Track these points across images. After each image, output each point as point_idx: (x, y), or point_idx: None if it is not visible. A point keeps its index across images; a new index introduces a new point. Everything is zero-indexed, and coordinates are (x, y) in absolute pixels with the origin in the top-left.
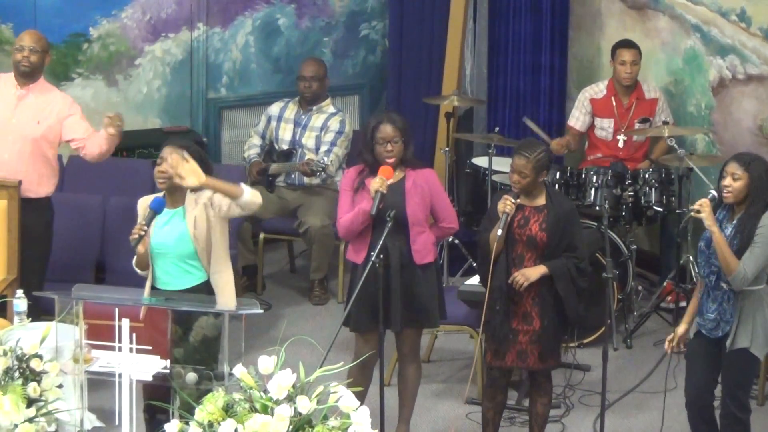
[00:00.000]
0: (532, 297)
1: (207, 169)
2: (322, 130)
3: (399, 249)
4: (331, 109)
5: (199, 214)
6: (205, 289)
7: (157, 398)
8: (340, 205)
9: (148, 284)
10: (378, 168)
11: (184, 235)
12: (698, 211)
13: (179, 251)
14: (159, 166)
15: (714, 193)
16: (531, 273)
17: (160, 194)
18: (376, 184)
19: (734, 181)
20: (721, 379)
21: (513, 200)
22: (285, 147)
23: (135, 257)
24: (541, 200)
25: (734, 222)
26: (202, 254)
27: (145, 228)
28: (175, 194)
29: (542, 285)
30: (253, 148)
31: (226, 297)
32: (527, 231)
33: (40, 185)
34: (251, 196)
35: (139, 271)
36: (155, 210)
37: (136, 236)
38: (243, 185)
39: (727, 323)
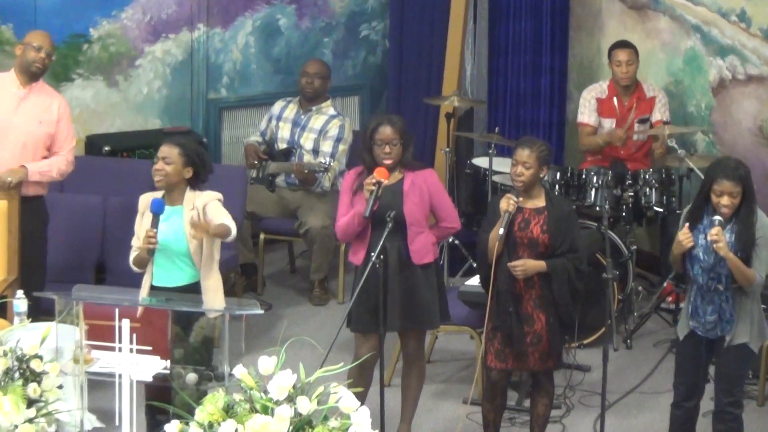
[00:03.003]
0: (533, 299)
1: (205, 169)
2: (320, 133)
3: (397, 249)
4: (331, 111)
5: (195, 215)
6: (197, 288)
7: (158, 398)
8: (339, 208)
9: (147, 281)
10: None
11: (180, 233)
12: (716, 241)
13: (176, 248)
14: (156, 163)
15: (719, 218)
16: (531, 264)
17: (159, 194)
18: (370, 185)
19: (734, 198)
20: (715, 375)
21: (515, 199)
22: (284, 146)
23: (134, 256)
24: (541, 202)
25: (728, 229)
26: (195, 254)
27: (155, 234)
28: (173, 192)
29: (544, 286)
30: (253, 137)
31: (215, 301)
32: (528, 233)
33: (39, 184)
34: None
35: (136, 269)
36: (156, 212)
37: (152, 246)
38: (233, 228)
39: (727, 323)
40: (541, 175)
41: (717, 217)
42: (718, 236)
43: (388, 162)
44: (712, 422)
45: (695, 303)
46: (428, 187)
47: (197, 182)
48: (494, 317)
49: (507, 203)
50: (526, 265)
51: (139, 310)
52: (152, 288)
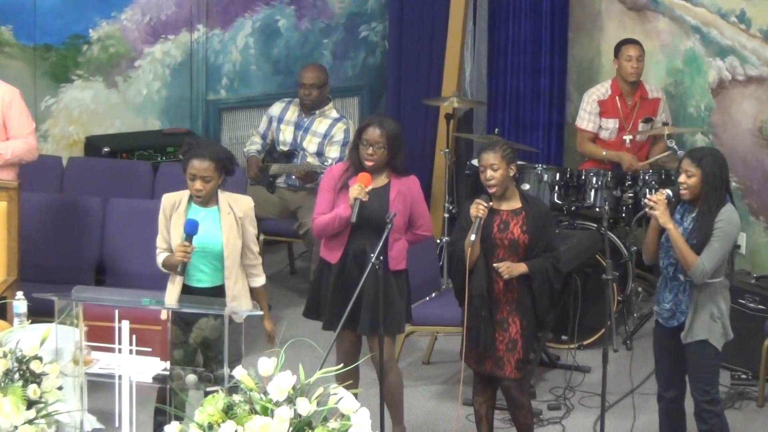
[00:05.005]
0: (509, 303)
1: (234, 167)
2: (325, 138)
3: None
4: (334, 114)
5: (233, 223)
6: (222, 291)
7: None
8: (317, 203)
9: (179, 280)
10: (362, 168)
11: (216, 234)
12: (652, 207)
13: (210, 249)
14: (193, 182)
15: (669, 192)
16: (515, 267)
17: (180, 196)
18: (355, 191)
19: (688, 178)
20: (688, 374)
21: (485, 204)
22: (286, 148)
23: (163, 259)
24: (516, 203)
25: (693, 216)
26: (231, 256)
27: (191, 248)
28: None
29: (522, 289)
30: (253, 145)
31: (242, 306)
32: (509, 234)
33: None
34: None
35: (164, 270)
36: (191, 234)
37: (186, 260)
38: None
39: (682, 314)
40: (511, 174)
41: (667, 190)
42: (656, 204)
43: (369, 163)
44: (696, 423)
45: (658, 289)
46: (411, 194)
47: (226, 179)
48: (469, 321)
49: (477, 209)
50: (510, 266)
51: (163, 313)
52: (185, 287)
